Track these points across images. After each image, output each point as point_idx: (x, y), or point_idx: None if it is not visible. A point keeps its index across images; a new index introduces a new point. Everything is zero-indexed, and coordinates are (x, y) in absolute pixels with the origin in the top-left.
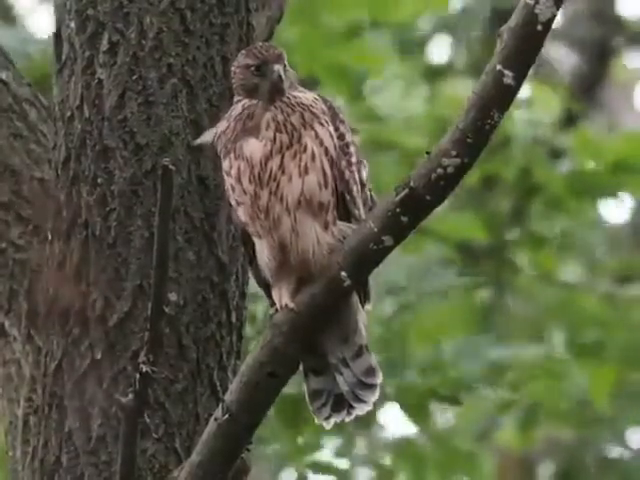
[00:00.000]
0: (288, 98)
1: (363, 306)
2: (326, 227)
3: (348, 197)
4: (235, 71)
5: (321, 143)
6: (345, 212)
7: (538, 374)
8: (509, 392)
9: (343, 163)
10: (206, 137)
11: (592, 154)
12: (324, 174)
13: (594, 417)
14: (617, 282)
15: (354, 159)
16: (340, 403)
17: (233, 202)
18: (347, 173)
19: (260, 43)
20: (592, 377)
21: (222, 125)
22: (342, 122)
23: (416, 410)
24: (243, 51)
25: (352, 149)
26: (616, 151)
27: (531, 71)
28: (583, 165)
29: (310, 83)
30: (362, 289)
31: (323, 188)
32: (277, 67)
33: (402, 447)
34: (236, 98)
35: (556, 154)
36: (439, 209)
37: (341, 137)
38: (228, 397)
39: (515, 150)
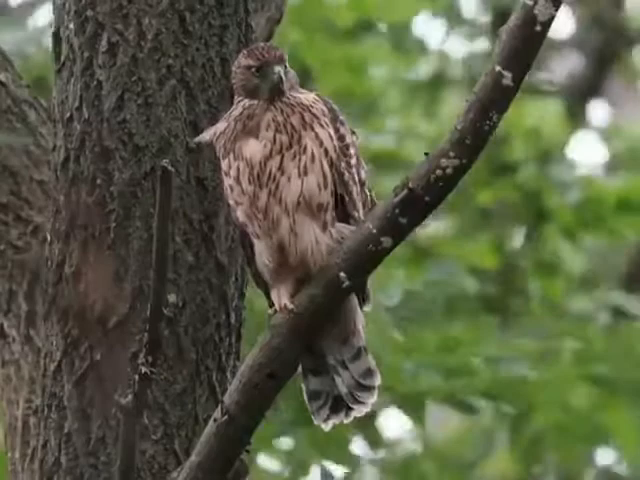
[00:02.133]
0: (288, 99)
1: (362, 308)
2: (325, 228)
3: (347, 199)
4: (236, 72)
5: (321, 144)
6: (344, 213)
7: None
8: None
9: (343, 165)
10: (205, 136)
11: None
12: (323, 175)
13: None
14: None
15: (354, 161)
16: (338, 404)
17: (232, 202)
18: (347, 175)
19: (261, 44)
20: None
21: (221, 125)
22: (342, 123)
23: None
24: (244, 51)
25: (352, 150)
26: (618, 192)
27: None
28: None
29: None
30: (361, 291)
31: (322, 189)
32: (278, 69)
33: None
34: (236, 99)
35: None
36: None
37: (341, 138)
38: (227, 398)
39: (522, 176)
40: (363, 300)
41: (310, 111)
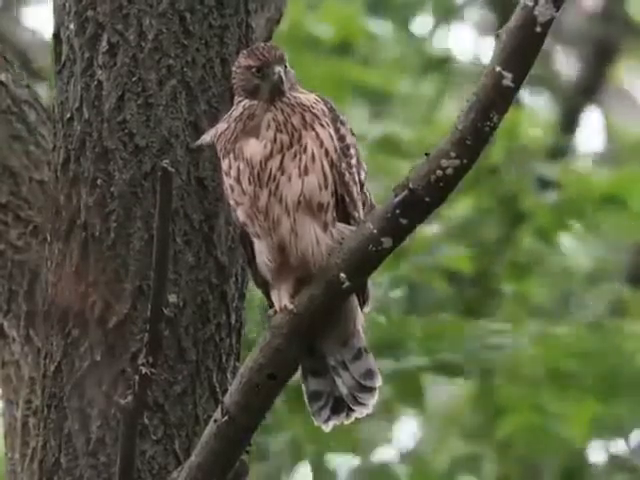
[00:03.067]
0: (288, 99)
1: (362, 309)
2: (325, 228)
3: (348, 199)
4: (236, 72)
5: (321, 144)
6: (344, 214)
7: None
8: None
9: (343, 165)
10: (205, 138)
11: (580, 187)
12: (324, 175)
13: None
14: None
15: (354, 161)
16: (339, 405)
17: (232, 202)
18: (347, 175)
19: (261, 44)
20: (572, 411)
21: (222, 126)
22: (342, 123)
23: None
24: (244, 51)
25: (352, 151)
26: (604, 186)
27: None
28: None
29: None
30: (361, 292)
31: (323, 189)
32: (278, 69)
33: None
34: (236, 99)
35: (544, 184)
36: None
37: (342, 139)
38: (227, 399)
39: (502, 178)
40: (363, 301)
41: (311, 111)
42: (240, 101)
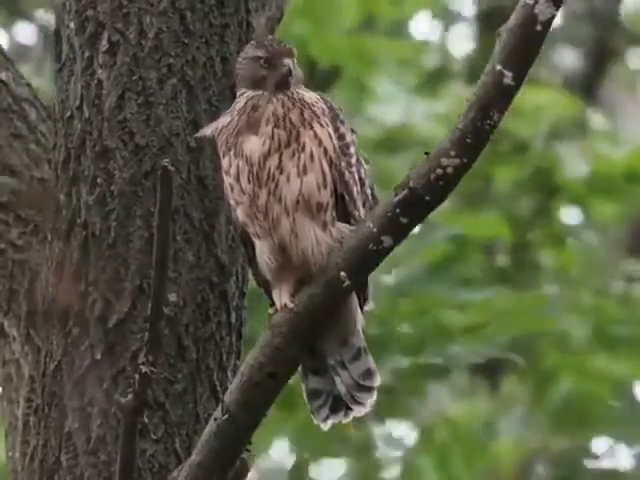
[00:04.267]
0: (292, 93)
1: (362, 308)
2: (324, 228)
3: (347, 198)
4: (242, 62)
5: (320, 143)
6: (344, 213)
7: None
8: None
9: (343, 164)
10: (206, 131)
11: (603, 163)
12: (323, 174)
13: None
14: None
15: (354, 160)
16: (338, 404)
17: (232, 202)
18: (347, 174)
19: (270, 37)
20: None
21: (224, 119)
22: (342, 122)
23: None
24: (253, 42)
25: (352, 149)
26: (624, 163)
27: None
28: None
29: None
30: (362, 290)
31: (322, 188)
32: (288, 61)
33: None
34: (239, 91)
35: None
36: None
37: (341, 137)
38: (228, 397)
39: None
40: (364, 300)
41: (311, 109)
42: (243, 93)
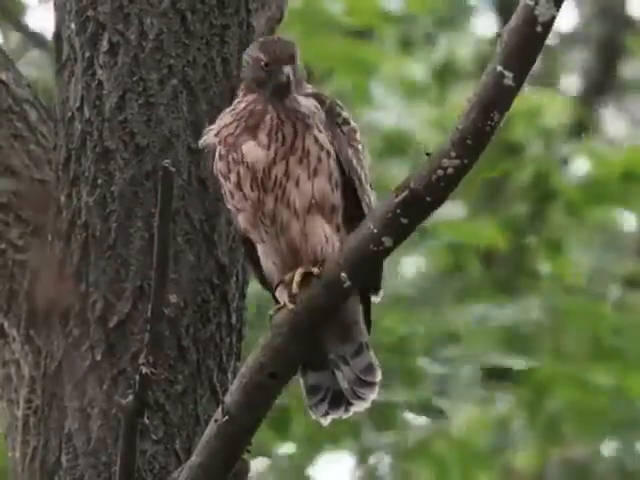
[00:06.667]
0: (290, 100)
1: (372, 298)
2: (336, 230)
3: (357, 182)
4: (247, 59)
5: (322, 147)
6: (355, 204)
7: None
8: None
9: (350, 151)
10: (209, 137)
11: (600, 165)
12: (331, 175)
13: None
14: (625, 287)
15: (360, 146)
16: (338, 400)
17: (232, 209)
18: (355, 161)
19: (277, 37)
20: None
21: (226, 119)
22: (342, 108)
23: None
24: (261, 39)
25: (358, 135)
26: (624, 163)
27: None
28: (593, 174)
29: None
30: (376, 281)
31: (334, 190)
32: (287, 69)
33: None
34: (242, 87)
35: (564, 162)
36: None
37: (345, 122)
38: (228, 398)
39: (528, 156)
40: (375, 290)
41: (305, 121)
42: (245, 93)
